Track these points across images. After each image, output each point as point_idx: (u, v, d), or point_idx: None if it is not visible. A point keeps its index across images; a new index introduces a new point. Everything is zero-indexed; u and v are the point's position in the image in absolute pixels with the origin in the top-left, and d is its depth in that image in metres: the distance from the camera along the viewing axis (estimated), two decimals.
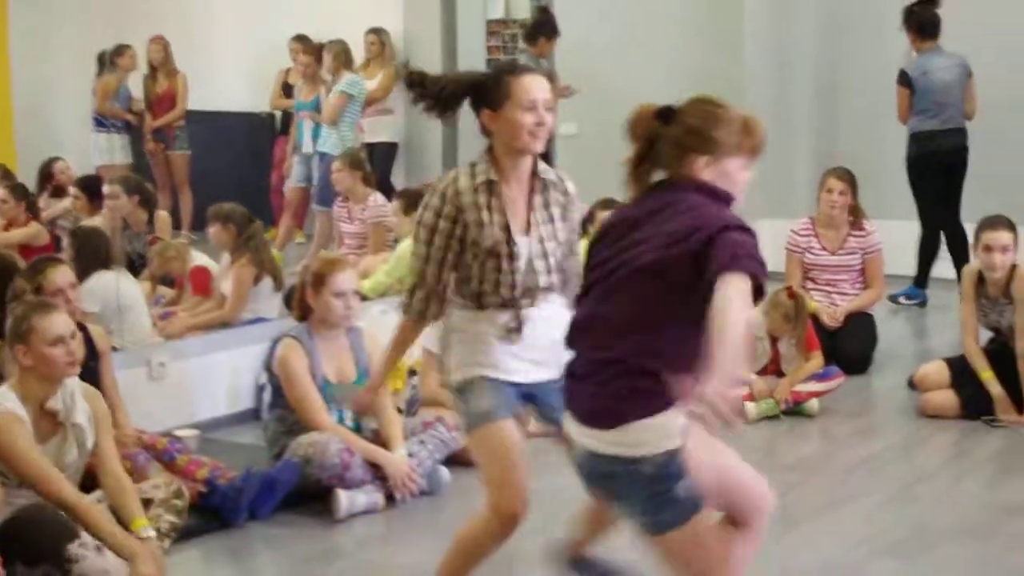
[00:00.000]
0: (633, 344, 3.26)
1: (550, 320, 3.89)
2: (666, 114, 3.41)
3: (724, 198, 3.37)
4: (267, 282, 7.31)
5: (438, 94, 3.85)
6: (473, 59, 10.44)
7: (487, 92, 3.83)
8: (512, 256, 3.87)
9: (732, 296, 3.02)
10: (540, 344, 3.91)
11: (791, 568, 4.72)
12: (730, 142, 3.37)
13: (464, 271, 3.90)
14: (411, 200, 8.06)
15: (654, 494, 3.30)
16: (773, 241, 8.81)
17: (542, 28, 10.15)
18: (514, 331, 3.90)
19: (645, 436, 3.25)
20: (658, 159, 3.41)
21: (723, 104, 3.43)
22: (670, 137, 3.39)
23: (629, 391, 3.25)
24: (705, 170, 3.36)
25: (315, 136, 10.10)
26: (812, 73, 10.73)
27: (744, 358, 3.05)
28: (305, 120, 10.19)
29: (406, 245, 7.81)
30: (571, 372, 3.44)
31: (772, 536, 5.02)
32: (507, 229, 3.87)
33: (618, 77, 10.75)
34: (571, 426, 3.42)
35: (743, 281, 3.05)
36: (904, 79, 9.14)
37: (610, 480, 3.38)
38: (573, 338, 3.46)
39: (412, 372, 6.76)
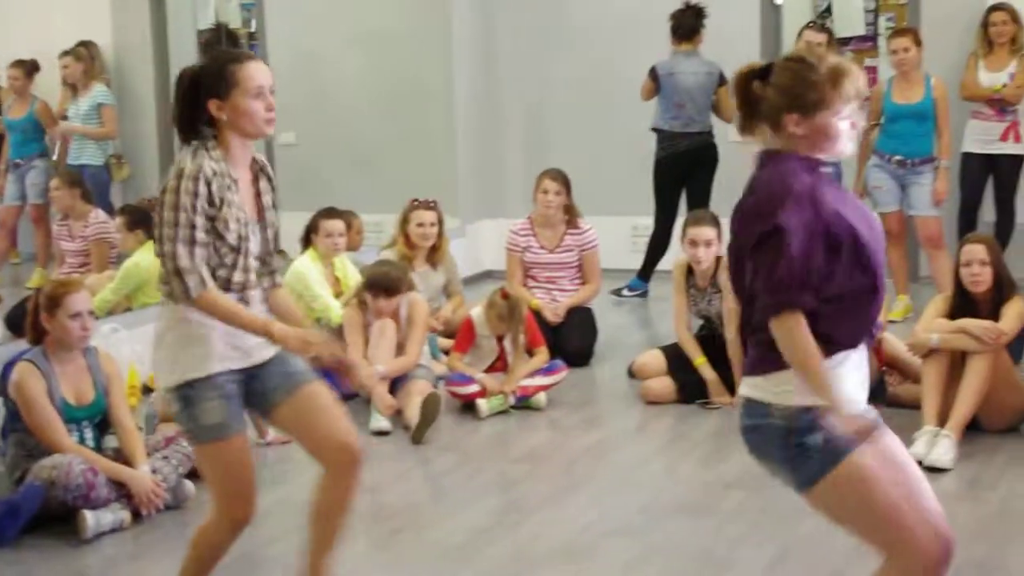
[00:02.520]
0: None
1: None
2: (763, 74, 3.49)
3: (801, 161, 3.43)
4: None
5: (180, 121, 3.93)
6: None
7: (211, 83, 3.89)
8: (247, 242, 3.92)
9: (784, 342, 3.27)
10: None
11: (526, 554, 4.97)
12: (815, 98, 3.40)
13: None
14: (134, 216, 8.05)
15: (789, 447, 3.38)
16: (496, 241, 9.12)
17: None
18: None
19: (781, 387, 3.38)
20: (762, 117, 3.50)
21: (810, 60, 3.46)
22: (766, 98, 3.47)
23: (770, 345, 3.38)
24: (797, 127, 3.42)
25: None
26: (520, 76, 11.07)
27: (828, 379, 3.27)
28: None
29: (131, 261, 7.81)
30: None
31: (506, 526, 5.28)
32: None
33: (335, 86, 10.92)
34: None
35: (787, 320, 3.27)
36: (652, 74, 9.49)
37: (751, 432, 3.47)
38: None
39: (147, 389, 6.78)
